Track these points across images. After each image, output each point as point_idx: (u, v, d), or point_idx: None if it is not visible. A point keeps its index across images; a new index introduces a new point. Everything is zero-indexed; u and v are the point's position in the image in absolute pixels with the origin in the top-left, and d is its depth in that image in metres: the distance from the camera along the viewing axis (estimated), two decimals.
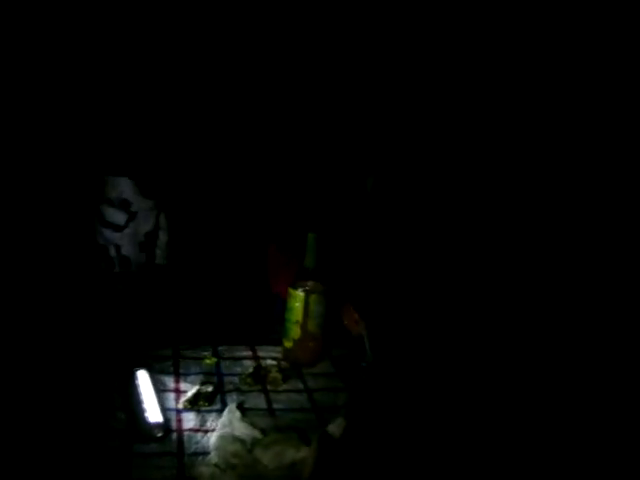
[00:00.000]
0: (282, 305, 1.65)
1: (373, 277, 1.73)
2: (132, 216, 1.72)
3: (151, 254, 1.73)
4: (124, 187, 1.71)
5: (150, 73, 1.71)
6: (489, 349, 1.60)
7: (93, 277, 1.69)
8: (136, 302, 1.69)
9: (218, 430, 1.28)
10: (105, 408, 1.34)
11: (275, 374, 1.54)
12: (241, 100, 1.77)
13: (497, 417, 1.38)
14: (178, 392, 1.44)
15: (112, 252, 1.71)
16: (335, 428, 1.29)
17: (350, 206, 1.80)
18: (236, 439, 1.24)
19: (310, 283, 1.62)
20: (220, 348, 1.66)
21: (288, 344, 1.65)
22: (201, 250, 1.81)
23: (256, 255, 1.83)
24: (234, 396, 1.45)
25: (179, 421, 1.33)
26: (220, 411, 1.36)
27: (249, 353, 1.66)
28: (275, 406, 1.43)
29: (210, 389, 1.44)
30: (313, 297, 1.61)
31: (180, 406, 1.38)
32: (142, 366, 1.47)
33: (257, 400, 1.45)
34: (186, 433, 1.29)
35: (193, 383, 1.47)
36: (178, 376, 1.51)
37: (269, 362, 1.60)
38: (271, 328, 1.72)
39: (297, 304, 1.61)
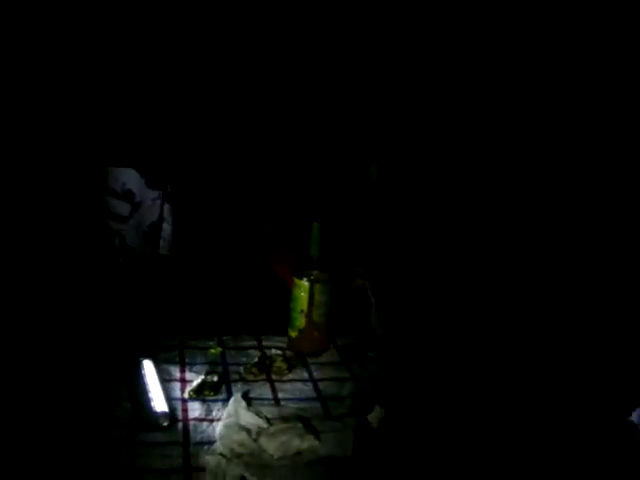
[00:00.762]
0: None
1: (378, 264, 1.73)
2: (136, 207, 1.72)
3: (155, 245, 1.73)
4: (128, 178, 1.71)
5: (154, 64, 1.70)
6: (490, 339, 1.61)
7: (98, 267, 1.69)
8: (141, 292, 1.69)
9: (223, 419, 1.28)
10: (111, 397, 1.34)
11: (280, 364, 1.54)
12: (244, 87, 1.76)
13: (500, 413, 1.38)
14: (184, 382, 1.44)
15: (116, 242, 1.71)
16: (374, 417, 1.30)
17: (354, 194, 1.79)
18: (241, 428, 1.24)
19: (315, 272, 1.62)
20: (225, 338, 1.66)
21: (293, 333, 1.65)
22: (206, 240, 1.80)
23: (261, 244, 1.82)
24: (239, 386, 1.45)
25: (185, 410, 1.33)
26: (225, 400, 1.37)
27: (254, 343, 1.66)
28: (280, 395, 1.43)
29: (215, 379, 1.44)
30: (318, 286, 1.61)
31: (186, 395, 1.38)
32: (148, 356, 1.48)
33: (262, 389, 1.45)
34: (191, 422, 1.29)
35: (198, 373, 1.47)
36: (184, 366, 1.51)
37: (274, 352, 1.60)
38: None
39: (302, 293, 1.61)
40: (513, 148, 1.75)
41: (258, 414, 1.29)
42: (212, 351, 1.59)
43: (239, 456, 1.17)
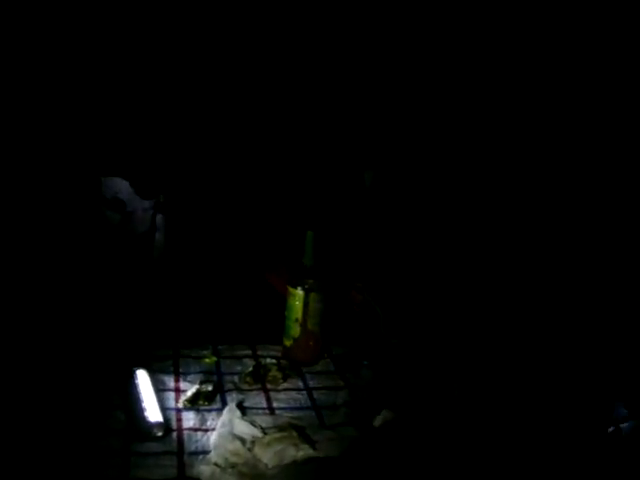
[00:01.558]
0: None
1: (375, 269, 1.73)
2: (127, 217, 1.71)
3: (148, 254, 1.73)
4: (120, 187, 1.71)
5: (146, 73, 1.70)
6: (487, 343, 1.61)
7: (91, 277, 1.68)
8: (135, 302, 1.68)
9: (218, 429, 1.27)
10: (104, 408, 1.33)
11: (275, 373, 1.54)
12: (237, 93, 1.76)
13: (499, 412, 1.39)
14: (178, 391, 1.43)
15: (109, 251, 1.71)
16: (381, 421, 1.31)
17: (349, 201, 1.79)
18: (236, 438, 1.24)
19: (309, 281, 1.62)
20: (220, 347, 1.65)
21: (288, 342, 1.64)
22: (200, 249, 1.80)
23: (255, 253, 1.82)
24: (234, 395, 1.44)
25: (179, 420, 1.33)
26: (220, 410, 1.36)
27: (249, 352, 1.65)
28: (275, 405, 1.42)
29: (210, 388, 1.43)
30: (313, 295, 1.61)
31: (180, 405, 1.38)
32: (142, 365, 1.47)
33: (257, 399, 1.44)
34: (186, 432, 1.29)
35: (193, 382, 1.46)
36: (178, 375, 1.50)
37: (269, 361, 1.60)
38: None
39: (297, 302, 1.61)
40: (505, 153, 1.76)
41: (252, 423, 1.28)
42: (207, 360, 1.59)
43: (233, 466, 1.17)
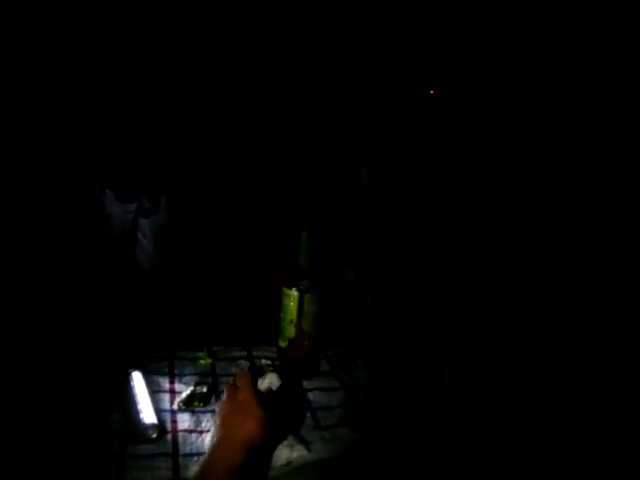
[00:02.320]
0: None
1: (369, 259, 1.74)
2: (106, 219, 1.71)
3: (129, 256, 1.73)
4: (97, 190, 1.71)
5: (140, 74, 1.70)
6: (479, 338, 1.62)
7: (86, 279, 1.69)
8: (130, 304, 1.68)
9: (212, 430, 1.27)
10: (100, 410, 1.33)
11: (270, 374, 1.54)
12: (232, 92, 1.76)
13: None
14: (173, 393, 1.43)
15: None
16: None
17: (343, 201, 1.79)
18: None
19: (304, 282, 1.62)
20: (215, 348, 1.66)
21: (283, 344, 1.64)
22: (195, 251, 1.80)
23: (251, 254, 1.82)
24: None
25: (174, 422, 1.33)
26: (214, 411, 1.36)
27: (244, 353, 1.65)
28: None
29: (205, 390, 1.43)
30: (307, 296, 1.61)
31: (175, 407, 1.38)
32: (137, 367, 1.47)
33: None
34: (181, 434, 1.29)
35: (188, 384, 1.46)
36: (173, 377, 1.50)
37: (264, 362, 1.60)
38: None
39: (291, 303, 1.61)
40: (503, 151, 1.77)
41: None
42: (202, 362, 1.59)
43: None
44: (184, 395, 1.41)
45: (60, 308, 1.61)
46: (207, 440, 1.25)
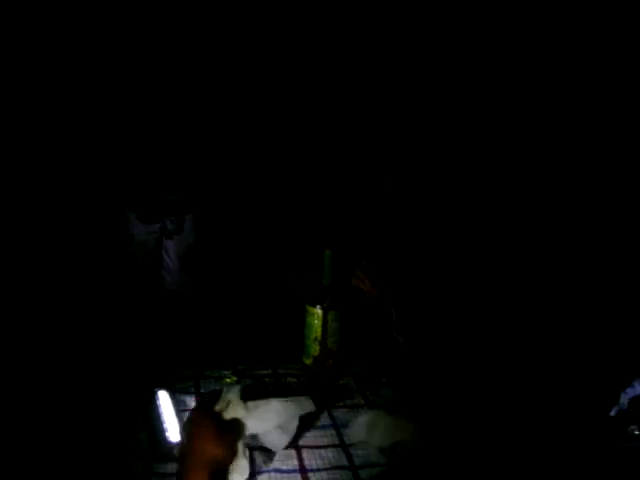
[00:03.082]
0: None
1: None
2: (130, 239, 1.74)
3: (156, 278, 1.75)
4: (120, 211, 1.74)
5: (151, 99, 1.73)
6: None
7: (113, 299, 1.71)
8: (156, 324, 1.71)
9: None
10: (126, 429, 1.35)
11: None
12: (254, 112, 1.78)
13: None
14: None
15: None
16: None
17: (366, 217, 1.80)
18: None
19: (328, 300, 1.63)
20: (240, 367, 1.67)
21: (308, 361, 1.65)
22: (220, 270, 1.82)
23: (275, 274, 1.84)
24: None
25: None
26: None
27: (269, 371, 1.66)
28: None
29: None
30: (331, 314, 1.62)
31: None
32: (163, 386, 1.48)
33: None
34: None
35: None
36: (199, 396, 1.52)
37: (289, 380, 1.61)
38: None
39: (315, 321, 1.62)
40: (511, 157, 1.77)
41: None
42: (227, 380, 1.60)
43: None
44: None
45: (88, 328, 1.64)
46: None
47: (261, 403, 1.29)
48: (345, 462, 1.30)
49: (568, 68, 1.73)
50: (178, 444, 1.28)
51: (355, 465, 1.29)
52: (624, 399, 1.33)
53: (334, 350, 1.64)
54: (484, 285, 1.72)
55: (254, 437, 1.27)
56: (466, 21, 1.75)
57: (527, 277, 1.73)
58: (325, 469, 1.28)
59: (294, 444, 1.34)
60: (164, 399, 1.43)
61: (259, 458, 1.29)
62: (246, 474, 1.20)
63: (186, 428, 1.23)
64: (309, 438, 1.38)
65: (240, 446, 1.21)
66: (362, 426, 1.36)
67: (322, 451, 1.33)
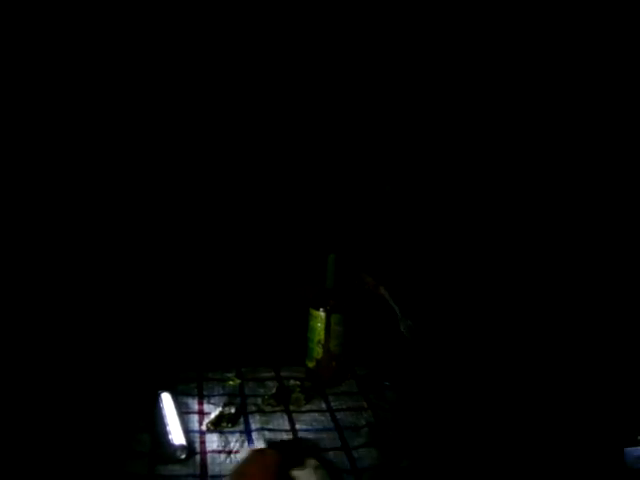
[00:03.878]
0: None
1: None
2: None
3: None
4: None
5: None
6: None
7: (118, 302, 1.71)
8: (159, 325, 1.71)
9: None
10: (129, 430, 1.36)
11: (298, 394, 1.55)
12: (256, 114, 1.77)
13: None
14: (202, 414, 1.45)
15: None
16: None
17: (368, 221, 1.80)
18: None
19: (331, 302, 1.63)
20: (244, 369, 1.67)
21: (311, 364, 1.65)
22: (223, 273, 1.82)
23: (278, 276, 1.84)
24: (257, 417, 1.45)
25: (202, 443, 1.34)
26: (243, 432, 1.38)
27: (272, 374, 1.67)
28: (297, 426, 1.43)
29: (233, 410, 1.45)
30: (334, 317, 1.62)
31: (203, 428, 1.39)
32: (166, 389, 1.49)
33: (280, 421, 1.45)
34: (209, 454, 1.30)
35: (216, 405, 1.48)
36: (202, 398, 1.52)
37: (292, 382, 1.61)
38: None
39: (318, 324, 1.62)
40: (518, 175, 1.77)
41: None
42: (230, 383, 1.61)
43: None
44: (212, 416, 1.42)
45: (90, 330, 1.64)
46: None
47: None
48: (347, 465, 1.30)
49: (568, 68, 1.72)
50: (181, 446, 1.28)
51: (357, 468, 1.29)
52: None
53: (337, 353, 1.64)
54: (487, 285, 1.72)
55: None
56: (466, 21, 1.75)
57: (529, 278, 1.73)
58: None
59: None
60: (167, 401, 1.44)
61: None
62: None
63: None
64: (311, 441, 1.38)
65: None
66: None
67: (324, 454, 1.33)
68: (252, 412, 1.47)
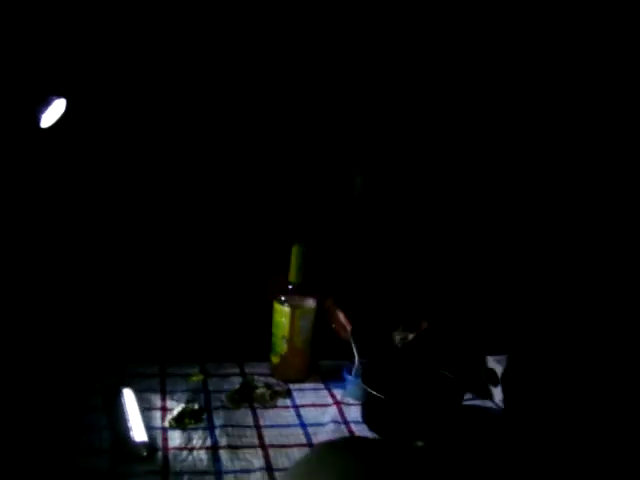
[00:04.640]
0: None
1: (360, 279, 1.72)
2: None
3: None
4: None
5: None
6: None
7: (78, 294, 1.67)
8: (122, 319, 1.67)
9: None
10: (89, 427, 1.33)
11: (262, 390, 1.54)
12: (226, 99, 1.73)
13: None
14: (164, 410, 1.43)
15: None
16: None
17: (337, 211, 1.78)
18: None
19: (296, 298, 1.62)
20: (208, 365, 1.65)
21: (275, 359, 1.64)
22: (188, 264, 1.79)
23: (243, 269, 1.81)
24: (221, 413, 1.44)
25: (165, 440, 1.32)
26: (206, 429, 1.36)
27: (237, 369, 1.65)
28: (262, 422, 1.42)
29: (196, 407, 1.43)
30: (299, 312, 1.61)
31: (166, 424, 1.37)
32: (128, 384, 1.47)
33: (244, 417, 1.44)
34: (171, 452, 1.28)
35: (179, 401, 1.46)
36: (164, 394, 1.50)
37: (256, 378, 1.60)
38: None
39: (283, 319, 1.61)
40: (499, 159, 1.76)
41: None
42: (194, 378, 1.58)
43: None
44: (175, 412, 1.40)
45: (53, 322, 1.60)
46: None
47: None
48: None
49: (568, 67, 1.72)
50: (142, 443, 1.26)
51: None
52: None
53: (302, 348, 1.63)
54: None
55: None
56: (465, 20, 1.74)
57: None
58: None
59: (260, 443, 1.34)
60: (129, 397, 1.41)
61: (224, 456, 1.27)
62: None
63: None
64: (276, 437, 1.37)
65: None
66: None
67: (289, 450, 1.32)
68: (216, 408, 1.46)
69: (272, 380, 1.61)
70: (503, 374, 1.55)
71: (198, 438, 1.33)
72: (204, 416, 1.42)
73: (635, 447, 1.29)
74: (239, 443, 1.33)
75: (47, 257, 1.63)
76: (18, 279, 1.61)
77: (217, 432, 1.36)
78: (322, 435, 1.38)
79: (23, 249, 1.61)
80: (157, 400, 1.47)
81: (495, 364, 1.57)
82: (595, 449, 1.30)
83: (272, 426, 1.41)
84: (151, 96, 1.67)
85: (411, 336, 1.63)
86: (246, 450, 1.31)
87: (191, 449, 1.29)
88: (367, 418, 1.45)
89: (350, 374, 1.58)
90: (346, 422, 1.45)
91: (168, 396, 1.49)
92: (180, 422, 1.38)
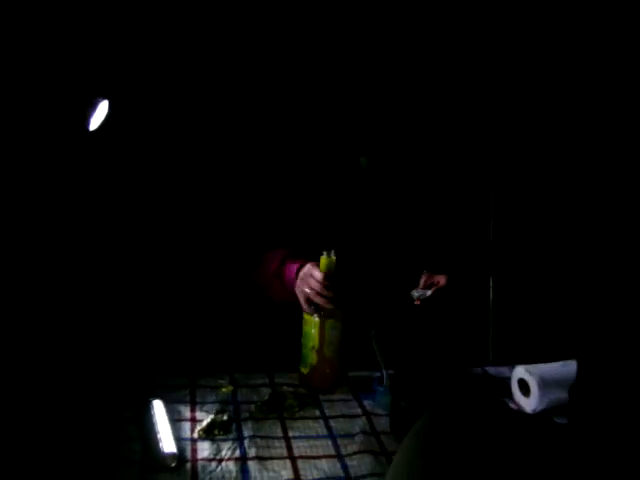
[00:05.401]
0: None
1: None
2: None
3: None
4: None
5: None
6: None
7: (110, 309, 1.70)
8: (152, 331, 1.69)
9: None
10: (120, 438, 1.33)
11: (291, 401, 1.53)
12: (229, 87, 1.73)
13: None
14: (194, 421, 1.43)
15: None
16: None
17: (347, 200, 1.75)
18: None
19: (326, 308, 1.61)
20: (237, 376, 1.65)
21: (305, 370, 1.63)
22: (219, 278, 1.80)
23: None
24: (249, 424, 1.43)
25: (194, 450, 1.32)
26: (235, 439, 1.36)
27: (266, 380, 1.65)
28: (290, 434, 1.41)
29: (225, 417, 1.43)
30: (329, 322, 1.60)
31: (195, 435, 1.37)
32: (158, 396, 1.47)
33: (272, 428, 1.43)
34: (200, 463, 1.28)
35: (209, 412, 1.46)
36: (194, 405, 1.50)
37: (285, 389, 1.59)
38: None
39: (313, 330, 1.60)
40: (500, 140, 1.74)
41: None
42: (223, 390, 1.59)
43: None
44: (204, 423, 1.40)
45: (83, 336, 1.62)
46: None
47: None
48: (341, 473, 1.28)
49: (568, 67, 1.71)
50: (171, 454, 1.26)
51: (350, 476, 1.27)
52: None
53: (332, 359, 1.62)
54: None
55: None
56: (465, 20, 1.73)
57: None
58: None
59: (289, 454, 1.33)
60: (158, 408, 1.42)
61: (252, 467, 1.27)
62: None
63: None
64: (304, 448, 1.36)
65: None
66: None
67: (317, 462, 1.31)
68: (245, 419, 1.45)
69: (301, 391, 1.60)
70: (572, 385, 1.49)
71: (227, 449, 1.33)
72: (233, 427, 1.42)
73: None
74: (267, 454, 1.32)
75: (87, 266, 1.65)
76: (58, 290, 1.63)
77: (246, 443, 1.35)
78: (352, 446, 1.37)
79: (69, 255, 1.63)
80: (187, 411, 1.47)
81: (527, 374, 1.54)
82: None
83: (301, 437, 1.40)
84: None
85: (429, 292, 1.62)
86: (274, 461, 1.30)
87: (220, 460, 1.29)
88: (394, 428, 1.44)
89: (381, 385, 1.56)
90: (376, 433, 1.44)
91: (197, 407, 1.49)
92: (209, 433, 1.38)
